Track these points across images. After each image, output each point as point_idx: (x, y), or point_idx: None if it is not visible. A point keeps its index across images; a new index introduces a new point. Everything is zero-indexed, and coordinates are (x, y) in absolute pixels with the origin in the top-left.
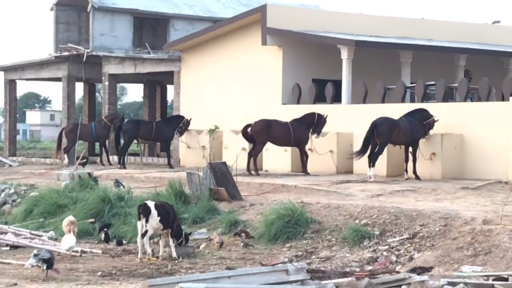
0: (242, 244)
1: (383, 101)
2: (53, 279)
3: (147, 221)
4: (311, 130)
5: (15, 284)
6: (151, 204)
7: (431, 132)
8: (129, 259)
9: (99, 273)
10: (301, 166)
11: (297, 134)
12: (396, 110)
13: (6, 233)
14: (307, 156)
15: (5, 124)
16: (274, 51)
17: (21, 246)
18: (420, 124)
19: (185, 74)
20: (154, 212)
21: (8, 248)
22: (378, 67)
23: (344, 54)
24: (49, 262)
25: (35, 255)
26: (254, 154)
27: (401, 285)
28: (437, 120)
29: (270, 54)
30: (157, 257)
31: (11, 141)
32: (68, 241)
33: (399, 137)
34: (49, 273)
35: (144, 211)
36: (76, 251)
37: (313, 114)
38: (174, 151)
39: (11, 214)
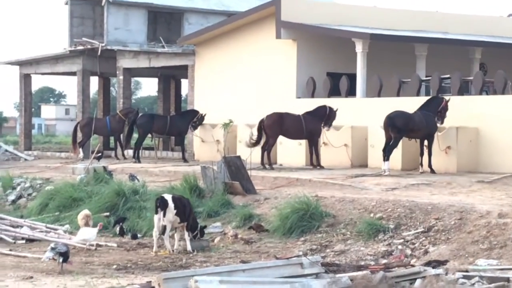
0: (242, 242)
1: (398, 95)
2: (68, 272)
3: (164, 215)
4: (323, 123)
5: (31, 277)
6: (168, 197)
7: (448, 125)
8: (144, 253)
9: (114, 266)
10: (312, 159)
11: (309, 127)
12: (411, 104)
13: (21, 226)
14: (318, 150)
15: (21, 118)
16: (288, 44)
17: (37, 239)
18: (435, 114)
19: (199, 68)
20: (171, 205)
21: (24, 241)
22: (393, 61)
23: (359, 48)
24: (65, 255)
25: (52, 249)
26: (267, 148)
27: (416, 278)
28: (448, 100)
29: (284, 48)
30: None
31: (26, 135)
32: (86, 234)
33: (414, 131)
34: (64, 266)
35: (162, 204)
36: (92, 245)
37: (324, 107)
38: (189, 145)
39: (26, 207)
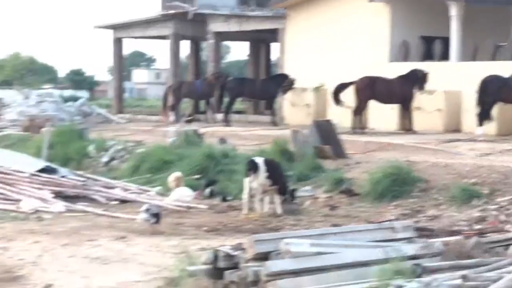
0: (329, 208)
1: (493, 59)
2: (160, 233)
3: (255, 177)
4: (416, 87)
5: (124, 237)
6: (259, 160)
7: None
8: (234, 215)
9: (205, 228)
10: (404, 123)
11: (402, 91)
12: (506, 68)
13: (114, 187)
14: (411, 114)
15: (113, 82)
16: (381, 7)
17: (129, 200)
18: None
19: (290, 32)
20: (262, 168)
21: (116, 202)
22: (488, 24)
23: (453, 11)
24: (157, 216)
25: (146, 210)
26: (358, 112)
27: (510, 244)
28: None
29: (377, 11)
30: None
31: (118, 98)
32: (180, 195)
33: (510, 95)
34: (156, 227)
35: (252, 167)
36: (183, 206)
37: (416, 70)
38: (279, 109)
39: (119, 169)
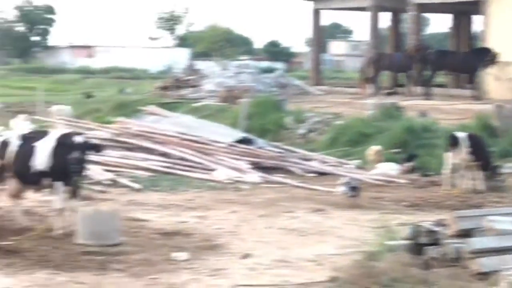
0: None
1: None
2: (359, 206)
3: (457, 153)
4: None
5: (322, 210)
6: (462, 135)
7: None
8: (435, 191)
9: (404, 203)
10: None
11: None
12: None
13: (312, 160)
14: None
15: (311, 53)
16: None
17: (327, 173)
18: None
19: (494, 4)
20: (465, 143)
21: (314, 175)
22: None
23: None
24: (356, 190)
25: (346, 183)
26: None
27: None
28: None
29: None
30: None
31: (316, 70)
32: (386, 169)
33: None
34: (354, 201)
35: (454, 142)
36: (382, 180)
37: None
38: (481, 83)
39: (316, 141)
